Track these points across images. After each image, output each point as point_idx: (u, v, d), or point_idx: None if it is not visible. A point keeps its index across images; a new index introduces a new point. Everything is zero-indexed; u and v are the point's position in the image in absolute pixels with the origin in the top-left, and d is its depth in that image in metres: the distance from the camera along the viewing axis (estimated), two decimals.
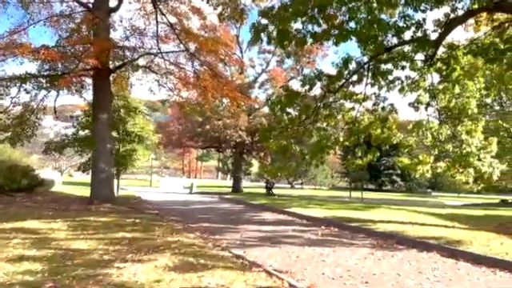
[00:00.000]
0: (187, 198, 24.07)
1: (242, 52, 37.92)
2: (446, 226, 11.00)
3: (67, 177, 53.91)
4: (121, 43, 14.32)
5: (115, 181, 23.56)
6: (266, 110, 39.35)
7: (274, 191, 31.99)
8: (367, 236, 9.82)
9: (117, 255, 6.46)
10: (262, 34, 10.72)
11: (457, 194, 54.38)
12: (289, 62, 37.55)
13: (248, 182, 74.60)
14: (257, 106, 37.63)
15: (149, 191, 34.31)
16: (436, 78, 15.67)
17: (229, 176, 66.67)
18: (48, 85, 13.93)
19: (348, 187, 58.55)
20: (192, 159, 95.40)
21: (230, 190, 38.73)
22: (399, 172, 57.03)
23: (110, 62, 15.10)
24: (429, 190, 59.89)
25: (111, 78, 17.22)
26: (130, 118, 26.97)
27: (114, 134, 18.62)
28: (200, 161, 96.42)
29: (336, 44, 12.70)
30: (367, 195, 35.33)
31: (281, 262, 6.93)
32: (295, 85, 27.23)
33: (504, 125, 23.64)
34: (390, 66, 15.52)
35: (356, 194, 41.25)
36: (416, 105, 16.06)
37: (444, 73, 13.93)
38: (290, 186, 61.33)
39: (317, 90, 16.72)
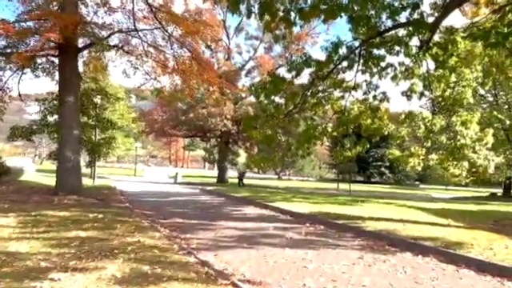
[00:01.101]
0: (168, 189, 22.94)
1: (228, 38, 36.66)
2: (440, 225, 10.10)
3: (42, 165, 52.29)
4: (89, 19, 13.00)
5: (91, 170, 22.47)
6: (253, 98, 38.24)
7: (246, 181, 32.69)
8: (355, 236, 8.86)
9: (58, 261, 5.39)
10: (241, 6, 9.55)
11: (444, 186, 54.20)
12: (277, 49, 36.41)
13: (235, 172, 73.76)
14: (243, 95, 36.48)
15: (131, 181, 33.10)
16: (431, 65, 14.77)
17: (216, 166, 65.42)
18: (3, 64, 12.65)
19: (336, 179, 58.04)
20: (179, 148, 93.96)
21: (216, 180, 37.71)
22: (388, 164, 56.58)
23: (81, 41, 13.85)
24: (417, 183, 59.60)
25: (83, 59, 15.99)
26: (109, 104, 25.78)
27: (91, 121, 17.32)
28: (187, 150, 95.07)
29: (325, 21, 11.65)
30: (355, 187, 34.62)
31: (256, 268, 5.92)
32: (284, 74, 26.11)
33: (499, 116, 22.90)
34: (382, 51, 14.59)
35: (344, 186, 40.56)
36: (409, 94, 15.17)
37: (441, 58, 12.93)
38: (277, 177, 60.48)
39: (304, 78, 15.73)
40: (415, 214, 12.30)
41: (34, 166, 25.64)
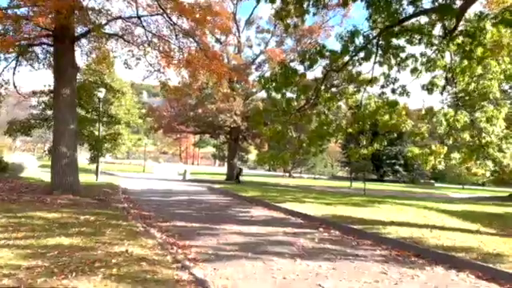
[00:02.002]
0: (174, 187, 22.07)
1: (239, 31, 35.63)
2: (469, 231, 9.02)
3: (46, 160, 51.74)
4: (86, 3, 12.05)
5: (94, 166, 21.66)
6: (264, 94, 37.23)
7: (256, 179, 32.24)
8: (376, 244, 7.84)
9: (24, 278, 4.50)
10: None
11: (461, 185, 52.60)
12: (289, 42, 35.31)
13: (245, 169, 72.82)
14: (254, 90, 35.50)
15: (138, 178, 32.34)
16: (455, 56, 13.67)
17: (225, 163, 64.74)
18: None
19: (348, 177, 56.80)
20: (189, 145, 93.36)
21: (225, 177, 36.81)
22: (402, 162, 55.10)
23: (79, 30, 12.97)
24: (432, 181, 57.95)
25: (83, 50, 15.12)
26: (115, 98, 25.05)
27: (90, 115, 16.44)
28: (197, 147, 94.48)
29: (344, 5, 10.63)
30: (369, 186, 33.43)
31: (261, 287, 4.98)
32: (296, 67, 25.12)
33: None
34: (402, 41, 13.55)
35: (357, 185, 39.41)
36: (430, 87, 14.08)
37: (468, 47, 11.80)
38: (288, 175, 59.41)
39: (317, 71, 14.75)
40: (439, 218, 11.23)
41: (37, 162, 24.92)
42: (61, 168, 11.88)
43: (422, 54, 13.68)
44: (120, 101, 25.42)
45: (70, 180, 11.96)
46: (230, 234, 8.40)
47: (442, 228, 9.26)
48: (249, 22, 36.36)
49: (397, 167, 55.63)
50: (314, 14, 13.58)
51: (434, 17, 12.84)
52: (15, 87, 14.83)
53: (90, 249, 5.93)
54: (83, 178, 20.85)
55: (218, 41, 34.40)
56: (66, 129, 11.98)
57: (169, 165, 64.13)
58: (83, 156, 20.42)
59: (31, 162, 21.71)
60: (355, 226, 9.07)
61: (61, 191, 11.59)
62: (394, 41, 13.33)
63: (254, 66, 35.24)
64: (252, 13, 36.15)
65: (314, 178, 57.47)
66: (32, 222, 7.87)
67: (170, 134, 50.27)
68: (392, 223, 9.66)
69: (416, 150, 16.41)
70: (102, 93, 18.60)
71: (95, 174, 20.28)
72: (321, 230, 9.21)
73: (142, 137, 66.81)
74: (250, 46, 37.25)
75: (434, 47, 13.42)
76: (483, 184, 55.53)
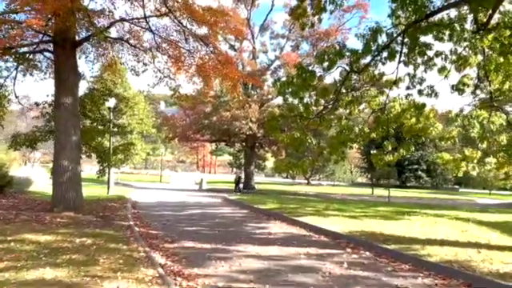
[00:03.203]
0: (189, 198, 21.12)
1: (253, 37, 34.80)
2: None
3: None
4: (87, 3, 11.22)
5: (108, 178, 20.84)
6: (280, 100, 36.23)
7: (274, 187, 30.76)
8: (415, 269, 6.67)
9: None
10: None
11: (487, 190, 50.48)
12: (305, 47, 34.28)
13: (262, 176, 71.66)
14: (270, 96, 34.52)
15: (154, 188, 31.64)
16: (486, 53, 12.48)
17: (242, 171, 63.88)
18: None
19: (369, 183, 55.18)
20: (206, 154, 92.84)
21: (241, 186, 35.81)
22: (425, 167, 53.27)
23: (82, 34, 12.16)
24: (456, 187, 55.81)
25: (90, 57, 14.33)
26: (127, 108, 24.37)
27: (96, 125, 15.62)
28: (214, 155, 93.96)
29: None
30: (392, 193, 31.95)
31: None
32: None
33: None
34: (429, 38, 12.40)
35: (378, 192, 37.95)
36: (461, 87, 12.85)
37: (506, 42, 10.58)
38: (306, 182, 58.07)
39: (336, 74, 13.74)
40: (481, 232, 9.97)
41: (48, 175, 24.31)
42: (62, 183, 11.01)
43: (451, 52, 12.48)
44: (133, 110, 24.73)
45: (73, 196, 11.08)
46: (244, 257, 7.34)
47: (489, 246, 8.02)
48: (263, 28, 35.54)
49: (419, 173, 53.78)
50: (331, 12, 12.51)
51: (465, 9, 11.69)
52: (16, 97, 14.17)
53: (73, 286, 4.95)
54: (94, 191, 20.27)
55: (232, 47, 33.65)
56: (68, 140, 11.13)
57: (186, 174, 63.44)
58: (95, 169, 19.67)
59: (41, 175, 21.09)
60: (388, 246, 7.89)
61: (62, 208, 10.71)
62: (421, 38, 12.20)
63: (269, 72, 34.29)
64: (266, 18, 35.23)
65: (333, 185, 56.02)
66: (21, 247, 6.95)
67: (186, 143, 49.57)
68: (430, 241, 8.46)
69: (446, 156, 15.13)
70: (110, 102, 17.83)
71: (107, 187, 19.50)
72: (349, 250, 8.06)
73: (159, 146, 66.51)
74: (265, 52, 36.44)
75: (466, 43, 12.23)
76: (511, 189, 53.24)
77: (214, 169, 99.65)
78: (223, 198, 21.57)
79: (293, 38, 34.50)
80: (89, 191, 20.47)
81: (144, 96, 27.32)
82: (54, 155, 11.51)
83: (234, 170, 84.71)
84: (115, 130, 19.15)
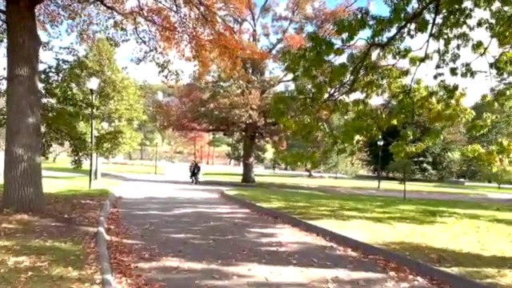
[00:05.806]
0: (182, 193, 18.93)
1: (254, 19, 32.47)
2: None
3: (55, 162, 49.19)
4: None
5: (95, 169, 18.56)
6: (282, 87, 34.04)
7: (274, 180, 27.68)
8: None
9: None
10: None
11: (496, 184, 48.65)
12: (309, 29, 31.95)
13: (261, 168, 69.66)
14: (272, 83, 32.30)
15: (146, 180, 29.46)
16: None
17: (241, 163, 61.72)
18: None
19: (373, 176, 53.32)
20: (204, 144, 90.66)
21: (240, 179, 33.68)
22: (430, 160, 51.29)
23: None
24: (461, 180, 53.96)
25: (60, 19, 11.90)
26: (115, 92, 22.18)
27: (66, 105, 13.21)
28: (212, 146, 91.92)
29: None
30: (398, 187, 29.92)
31: None
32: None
33: None
34: (469, 3, 10.19)
35: (384, 185, 36.04)
36: (501, 66, 10.66)
37: None
38: (307, 174, 56.12)
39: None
40: None
41: None
42: (16, 177, 8.79)
43: (499, 19, 10.26)
44: (121, 95, 22.53)
45: (29, 193, 8.83)
46: (248, 285, 5.19)
47: None
48: (264, 9, 33.20)
49: (425, 165, 51.78)
50: None
51: None
52: None
53: None
54: (76, 185, 18.01)
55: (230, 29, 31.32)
56: (24, 123, 8.85)
57: (182, 165, 61.38)
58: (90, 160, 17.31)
59: None
60: (449, 270, 5.67)
61: (15, 209, 8.51)
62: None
63: (271, 56, 32.00)
64: None
65: (336, 178, 54.08)
66: None
67: (182, 132, 47.36)
68: (497, 260, 6.31)
69: (479, 148, 12.90)
70: (93, 83, 15.59)
71: (89, 179, 17.28)
72: (392, 274, 5.84)
73: (155, 136, 64.23)
74: (267, 35, 34.11)
75: None
76: None
77: (212, 160, 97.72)
78: (221, 193, 19.37)
79: (296, 19, 32.20)
80: (69, 184, 18.31)
81: (136, 83, 25.11)
82: (5, 142, 9.23)
83: (233, 161, 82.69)
84: (96, 113, 16.84)
